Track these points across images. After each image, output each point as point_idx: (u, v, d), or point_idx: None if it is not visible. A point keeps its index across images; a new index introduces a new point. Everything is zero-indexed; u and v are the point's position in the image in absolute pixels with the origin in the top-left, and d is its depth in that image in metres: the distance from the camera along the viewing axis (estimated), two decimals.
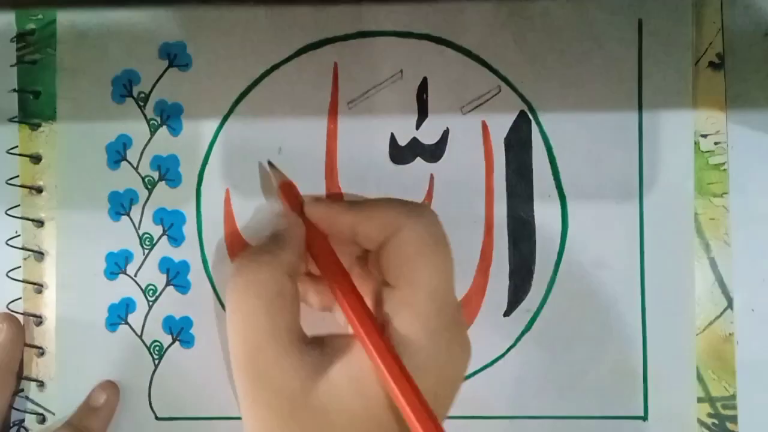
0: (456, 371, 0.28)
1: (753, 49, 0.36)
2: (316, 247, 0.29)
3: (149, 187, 0.35)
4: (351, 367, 0.26)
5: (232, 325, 0.27)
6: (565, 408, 0.35)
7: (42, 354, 0.35)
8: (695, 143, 0.36)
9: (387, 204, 0.29)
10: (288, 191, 0.32)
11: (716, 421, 0.35)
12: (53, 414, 0.35)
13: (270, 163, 0.34)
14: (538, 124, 0.35)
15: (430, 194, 0.35)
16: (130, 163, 0.35)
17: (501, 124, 0.35)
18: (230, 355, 0.27)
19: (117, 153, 0.35)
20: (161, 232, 0.35)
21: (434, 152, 0.35)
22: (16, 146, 0.36)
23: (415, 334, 0.26)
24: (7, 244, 0.36)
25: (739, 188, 0.36)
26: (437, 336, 0.26)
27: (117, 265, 0.35)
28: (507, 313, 0.35)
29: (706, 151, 0.36)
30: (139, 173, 0.35)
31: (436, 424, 0.24)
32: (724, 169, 0.36)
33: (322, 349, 0.27)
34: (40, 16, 0.35)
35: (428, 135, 0.35)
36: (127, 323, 0.35)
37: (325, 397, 0.25)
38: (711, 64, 0.36)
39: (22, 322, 0.35)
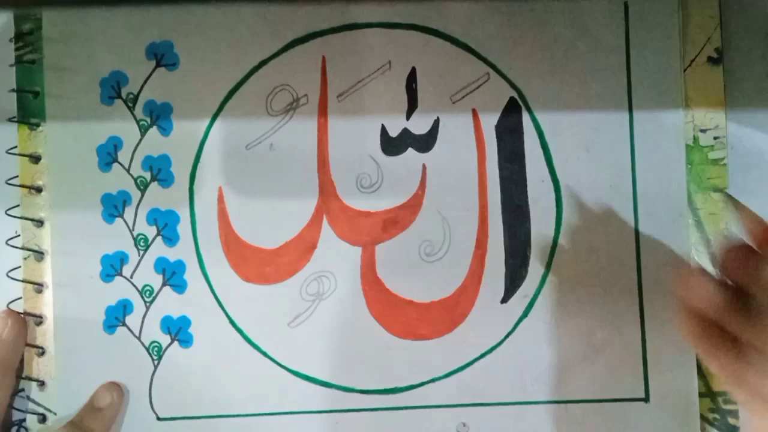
0: None
1: (752, 45, 0.36)
2: None
3: (142, 188, 0.35)
4: None
5: None
6: (566, 392, 0.35)
7: (42, 353, 0.35)
8: (694, 138, 0.35)
9: None
10: None
11: (717, 416, 0.35)
12: (54, 413, 0.35)
13: None
14: (529, 110, 0.35)
15: (423, 184, 0.35)
16: (121, 164, 0.35)
17: (491, 111, 0.35)
18: None
19: (108, 155, 0.35)
20: (155, 232, 0.35)
21: (426, 142, 0.35)
22: (16, 146, 0.35)
23: None
24: (7, 244, 0.35)
25: (739, 182, 0.35)
26: None
27: (113, 267, 0.35)
28: (504, 300, 0.35)
29: (706, 146, 0.35)
30: (131, 174, 0.35)
31: None
32: (724, 164, 0.35)
33: None
34: (38, 17, 0.35)
35: (419, 125, 0.35)
36: (125, 325, 0.35)
37: None
38: (710, 59, 0.35)
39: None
